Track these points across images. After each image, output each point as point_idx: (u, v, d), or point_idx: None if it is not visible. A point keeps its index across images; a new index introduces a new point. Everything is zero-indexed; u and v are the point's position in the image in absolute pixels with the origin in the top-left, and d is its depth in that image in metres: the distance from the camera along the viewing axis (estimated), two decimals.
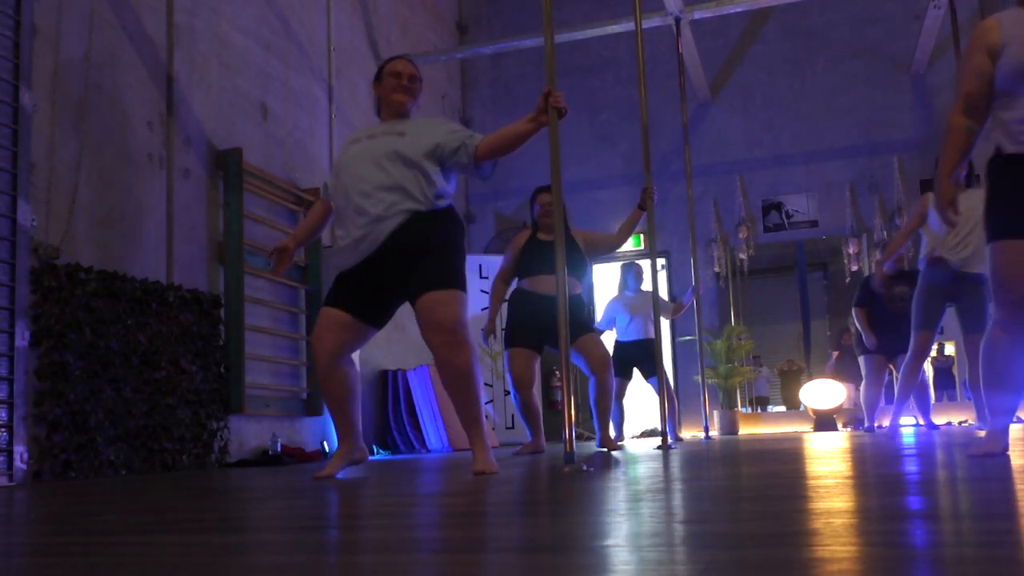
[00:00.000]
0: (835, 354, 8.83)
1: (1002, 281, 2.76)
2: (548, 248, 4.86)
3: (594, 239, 5.39)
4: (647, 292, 6.96)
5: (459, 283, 3.20)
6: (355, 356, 3.59)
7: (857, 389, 7.70)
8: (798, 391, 8.87)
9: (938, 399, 8.90)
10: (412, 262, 3.17)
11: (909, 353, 5.33)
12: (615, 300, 7.12)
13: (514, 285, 5.35)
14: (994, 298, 2.82)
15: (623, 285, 7.13)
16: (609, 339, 7.00)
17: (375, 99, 3.48)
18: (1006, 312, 2.77)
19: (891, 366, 6.79)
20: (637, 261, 7.59)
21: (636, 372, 7.02)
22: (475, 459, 3.11)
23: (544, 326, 4.91)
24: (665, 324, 8.59)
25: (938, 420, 7.86)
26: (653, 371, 6.65)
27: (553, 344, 4.91)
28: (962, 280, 5.02)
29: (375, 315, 3.33)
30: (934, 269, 5.08)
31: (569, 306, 4.93)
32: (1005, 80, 2.76)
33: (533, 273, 5.15)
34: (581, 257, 5.20)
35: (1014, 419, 6.22)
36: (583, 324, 5.18)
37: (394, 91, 3.37)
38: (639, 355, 6.84)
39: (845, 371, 8.42)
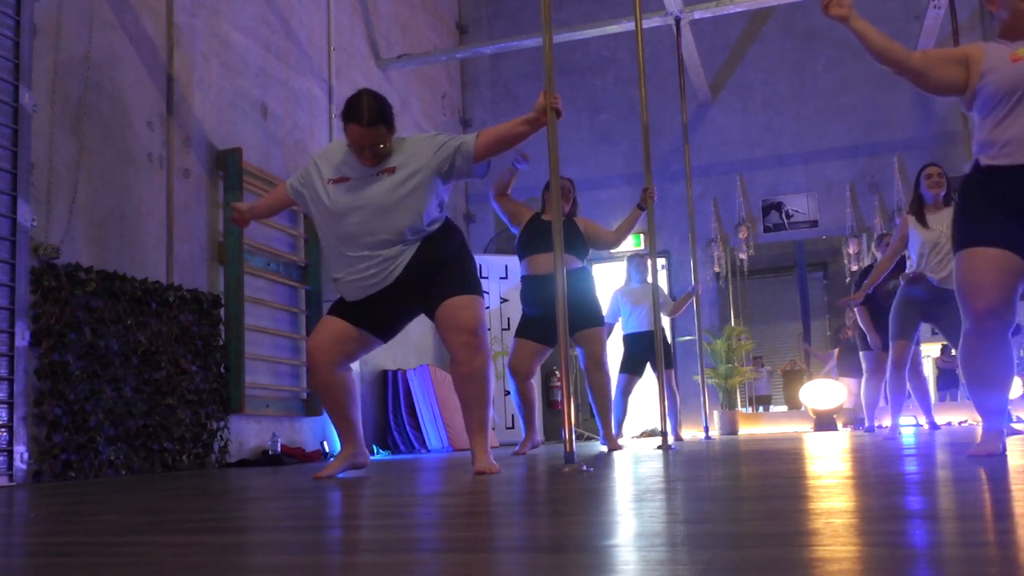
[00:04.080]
0: (836, 351, 8.81)
1: (966, 290, 2.79)
2: (548, 227, 4.86)
3: (595, 231, 5.40)
4: (651, 284, 6.97)
5: (478, 289, 3.27)
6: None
7: (859, 384, 7.70)
8: (798, 391, 8.87)
9: (940, 399, 8.90)
10: (429, 277, 3.21)
11: (889, 365, 5.35)
12: (619, 291, 7.13)
13: (520, 273, 5.33)
14: (962, 309, 2.83)
15: (628, 278, 7.16)
16: (616, 332, 6.99)
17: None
18: (973, 323, 2.79)
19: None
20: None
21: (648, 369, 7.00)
22: (476, 459, 3.12)
23: (552, 319, 4.87)
24: (665, 322, 8.58)
25: (939, 420, 7.86)
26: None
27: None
28: (941, 297, 5.06)
29: (384, 329, 3.36)
30: (913, 285, 5.14)
31: (574, 281, 4.96)
32: (987, 98, 2.84)
33: (530, 252, 5.15)
34: (581, 239, 5.21)
35: (1013, 419, 6.24)
36: (592, 316, 5.17)
37: (359, 155, 3.17)
38: (647, 348, 6.81)
39: (846, 367, 8.41)
